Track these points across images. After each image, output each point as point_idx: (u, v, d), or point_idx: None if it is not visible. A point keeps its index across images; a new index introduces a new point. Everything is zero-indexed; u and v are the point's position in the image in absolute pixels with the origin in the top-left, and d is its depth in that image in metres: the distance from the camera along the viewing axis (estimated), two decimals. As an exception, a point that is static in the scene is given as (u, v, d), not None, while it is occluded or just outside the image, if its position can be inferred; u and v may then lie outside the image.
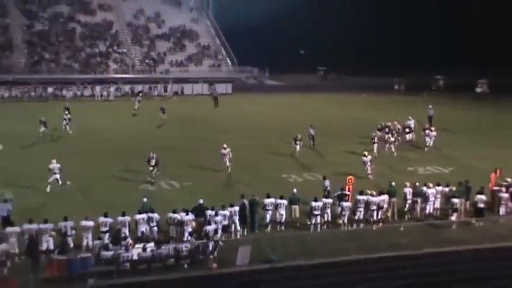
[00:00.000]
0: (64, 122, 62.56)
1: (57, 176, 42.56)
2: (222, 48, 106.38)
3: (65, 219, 32.44)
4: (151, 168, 44.65)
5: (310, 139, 57.10)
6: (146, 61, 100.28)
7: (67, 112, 63.03)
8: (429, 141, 56.36)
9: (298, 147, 53.65)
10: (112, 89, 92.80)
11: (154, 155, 44.67)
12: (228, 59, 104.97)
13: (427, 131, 56.86)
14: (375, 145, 53.12)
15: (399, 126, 59.29)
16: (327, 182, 39.20)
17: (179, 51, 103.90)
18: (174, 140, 59.73)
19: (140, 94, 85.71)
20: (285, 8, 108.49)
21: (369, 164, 45.73)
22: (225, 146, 47.31)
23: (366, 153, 46.58)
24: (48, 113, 63.03)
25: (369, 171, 45.51)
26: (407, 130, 59.38)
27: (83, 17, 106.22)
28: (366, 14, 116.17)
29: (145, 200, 35.29)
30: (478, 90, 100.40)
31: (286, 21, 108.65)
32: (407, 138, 58.85)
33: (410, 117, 61.18)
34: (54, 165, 42.77)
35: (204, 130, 64.99)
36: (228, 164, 46.93)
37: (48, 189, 41.55)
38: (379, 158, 52.85)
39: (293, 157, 52.95)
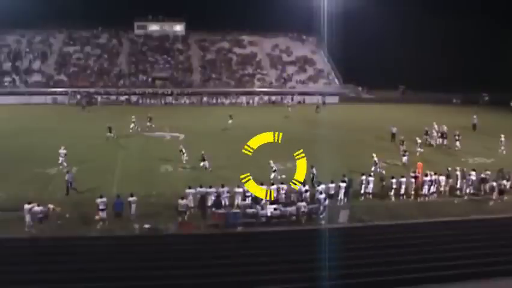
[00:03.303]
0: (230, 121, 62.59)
1: (62, 158, 42.33)
2: (332, 71, 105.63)
3: (222, 186, 33.78)
4: (205, 163, 41.93)
5: (391, 135, 56.19)
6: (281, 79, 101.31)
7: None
8: (458, 144, 52.51)
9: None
10: (256, 98, 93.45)
11: (203, 152, 42.54)
12: (336, 79, 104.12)
13: (456, 136, 53.01)
14: (402, 146, 49.48)
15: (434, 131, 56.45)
16: (314, 170, 37.97)
17: (302, 73, 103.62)
18: (298, 134, 59.89)
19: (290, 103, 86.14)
20: (377, 41, 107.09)
21: (377, 161, 41.92)
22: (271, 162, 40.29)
23: (374, 155, 42.37)
24: (213, 114, 64.43)
25: (378, 169, 41.16)
26: (439, 134, 55.53)
27: (237, 50, 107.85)
28: (428, 42, 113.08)
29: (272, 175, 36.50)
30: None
31: (378, 50, 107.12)
32: (438, 142, 55.04)
33: (434, 124, 57.71)
34: (62, 150, 42.75)
35: (318, 127, 64.66)
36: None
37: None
38: (439, 150, 52.61)
39: (379, 147, 52.04)
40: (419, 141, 50.90)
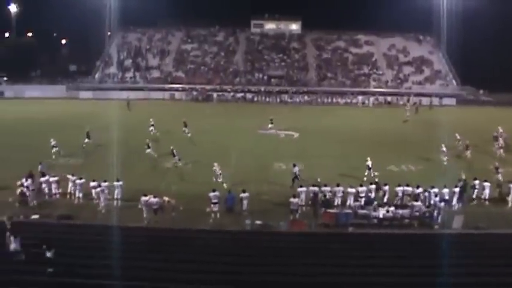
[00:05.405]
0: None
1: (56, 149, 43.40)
2: (449, 72, 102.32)
3: (338, 185, 33.78)
4: (175, 158, 41.85)
5: (496, 139, 51.17)
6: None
7: None
8: None
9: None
10: (371, 99, 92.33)
11: (172, 147, 42.36)
12: (453, 80, 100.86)
13: None
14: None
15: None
16: (296, 169, 36.99)
17: (418, 74, 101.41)
18: (409, 136, 58.69)
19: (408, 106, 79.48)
20: (497, 41, 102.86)
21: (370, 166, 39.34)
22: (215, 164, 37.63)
23: (368, 158, 39.81)
24: (328, 113, 64.06)
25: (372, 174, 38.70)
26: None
27: (353, 49, 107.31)
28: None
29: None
30: None
31: (498, 50, 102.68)
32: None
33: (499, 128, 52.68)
34: (53, 142, 43.63)
35: (432, 130, 61.78)
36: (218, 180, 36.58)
37: None
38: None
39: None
40: (444, 149, 45.35)
